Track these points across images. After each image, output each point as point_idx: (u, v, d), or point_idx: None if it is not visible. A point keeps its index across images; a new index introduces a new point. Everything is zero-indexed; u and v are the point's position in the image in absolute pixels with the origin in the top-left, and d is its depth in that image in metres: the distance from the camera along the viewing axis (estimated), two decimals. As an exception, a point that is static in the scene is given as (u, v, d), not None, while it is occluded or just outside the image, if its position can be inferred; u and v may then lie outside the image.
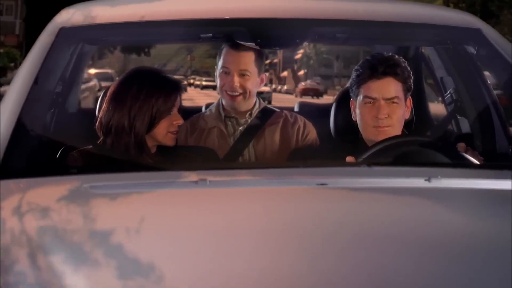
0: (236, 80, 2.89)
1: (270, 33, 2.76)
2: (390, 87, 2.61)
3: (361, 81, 2.64)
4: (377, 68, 2.61)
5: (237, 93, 2.90)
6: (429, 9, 2.94)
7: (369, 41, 3.71)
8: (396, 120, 2.61)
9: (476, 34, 2.65)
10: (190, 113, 3.03)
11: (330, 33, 3.02)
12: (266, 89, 34.31)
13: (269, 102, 4.04)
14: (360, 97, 2.64)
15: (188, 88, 44.04)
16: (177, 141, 2.58)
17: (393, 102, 2.60)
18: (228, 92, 2.90)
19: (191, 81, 58.42)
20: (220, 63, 2.96)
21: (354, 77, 2.68)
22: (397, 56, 2.71)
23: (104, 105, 2.49)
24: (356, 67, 2.70)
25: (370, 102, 2.61)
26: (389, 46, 3.54)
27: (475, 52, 2.83)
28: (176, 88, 2.52)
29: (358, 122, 2.68)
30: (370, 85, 2.61)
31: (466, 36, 2.77)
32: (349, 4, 2.76)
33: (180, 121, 2.49)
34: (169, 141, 2.50)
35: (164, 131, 2.47)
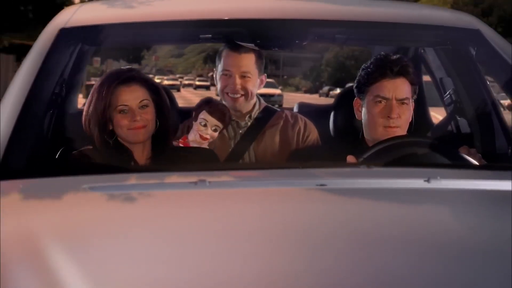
0: (238, 82, 2.90)
1: (270, 34, 2.76)
2: (402, 87, 2.61)
3: (372, 79, 2.62)
4: (392, 67, 2.60)
5: (238, 95, 2.91)
6: (428, 10, 2.94)
7: (368, 42, 3.72)
8: (405, 121, 2.61)
9: (475, 35, 2.65)
10: (189, 113, 3.03)
11: (329, 34, 3.03)
12: (276, 91, 32.49)
13: (280, 107, 3.95)
14: (370, 96, 2.63)
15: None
16: (169, 140, 2.56)
17: (404, 103, 2.60)
18: (230, 94, 2.91)
19: (180, 80, 59.15)
20: (220, 66, 2.96)
21: (363, 75, 2.66)
22: (406, 58, 2.72)
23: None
24: (365, 65, 2.69)
25: (381, 102, 2.60)
26: (388, 47, 3.54)
27: (474, 53, 2.83)
28: (115, 89, 2.43)
29: (365, 122, 2.66)
30: (383, 84, 2.60)
31: (465, 37, 2.77)
32: (348, 5, 2.76)
33: (137, 117, 2.42)
34: (133, 137, 2.45)
35: (124, 130, 2.44)
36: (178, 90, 43.67)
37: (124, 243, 1.60)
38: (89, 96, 2.47)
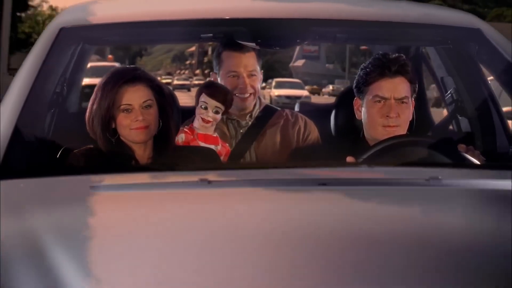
0: (247, 82, 2.90)
1: (271, 33, 2.76)
2: (401, 86, 2.60)
3: (370, 79, 2.62)
4: (390, 67, 2.60)
5: (247, 95, 2.92)
6: (430, 9, 2.94)
7: (369, 41, 3.71)
8: (404, 120, 2.61)
9: (476, 34, 2.65)
10: (190, 113, 3.03)
11: (330, 33, 3.02)
12: (303, 93, 29.97)
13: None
14: (369, 96, 2.63)
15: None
16: (171, 140, 2.56)
17: (403, 102, 2.60)
18: (239, 95, 2.90)
19: (190, 81, 59.59)
20: (224, 68, 2.94)
21: (362, 75, 2.66)
22: (404, 56, 2.71)
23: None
24: (363, 65, 2.69)
25: (380, 101, 2.60)
26: (389, 46, 3.54)
27: (475, 52, 2.83)
28: (119, 88, 2.42)
29: (364, 121, 2.66)
30: (382, 84, 2.60)
31: (466, 36, 2.77)
32: (349, 5, 2.76)
33: (140, 117, 2.41)
34: (136, 137, 2.44)
35: (126, 130, 2.43)
36: (189, 90, 43.85)
37: (125, 243, 1.60)
38: (93, 94, 2.46)
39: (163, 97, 2.50)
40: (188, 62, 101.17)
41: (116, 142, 2.45)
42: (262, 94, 3.01)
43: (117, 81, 2.43)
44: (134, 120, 2.42)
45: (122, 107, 2.42)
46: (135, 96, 2.43)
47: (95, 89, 2.46)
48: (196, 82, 61.16)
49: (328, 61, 54.64)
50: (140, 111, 2.42)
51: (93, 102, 2.45)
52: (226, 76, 2.93)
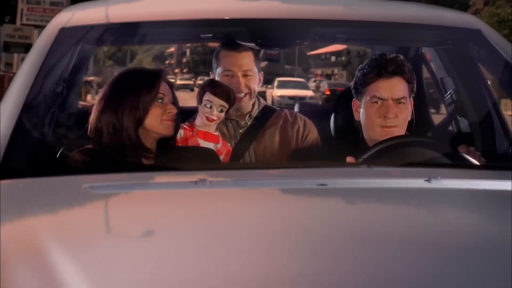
0: (242, 81, 2.90)
1: (270, 33, 2.76)
2: (398, 87, 2.60)
3: (368, 80, 2.62)
4: (387, 67, 2.60)
5: (243, 94, 2.91)
6: (429, 10, 2.94)
7: (369, 41, 3.72)
8: (402, 121, 2.61)
9: (476, 35, 2.65)
10: (190, 113, 3.03)
11: (330, 33, 3.03)
12: (308, 93, 28.93)
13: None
14: (366, 97, 2.63)
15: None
16: (177, 140, 2.57)
17: (401, 102, 2.60)
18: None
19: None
20: (220, 67, 2.95)
21: (360, 76, 2.66)
22: (402, 56, 2.71)
23: (94, 108, 2.48)
24: (361, 66, 2.69)
25: (377, 102, 2.60)
26: (389, 46, 3.54)
27: (475, 53, 2.83)
28: (157, 77, 2.45)
29: (363, 122, 2.66)
30: (379, 85, 2.60)
31: (466, 37, 2.77)
32: (348, 5, 2.76)
33: (174, 110, 2.42)
34: (165, 129, 2.44)
35: (158, 120, 2.42)
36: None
37: (124, 243, 1.60)
38: (101, 100, 2.43)
39: (173, 96, 2.50)
40: (167, 62, 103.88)
41: (132, 136, 2.44)
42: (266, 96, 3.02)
43: (155, 74, 2.46)
44: (168, 111, 2.43)
45: (163, 98, 2.43)
46: (165, 89, 2.44)
47: (101, 94, 2.45)
48: (200, 82, 61.78)
49: (287, 63, 62.54)
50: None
51: (101, 108, 2.43)
52: (221, 75, 2.94)
